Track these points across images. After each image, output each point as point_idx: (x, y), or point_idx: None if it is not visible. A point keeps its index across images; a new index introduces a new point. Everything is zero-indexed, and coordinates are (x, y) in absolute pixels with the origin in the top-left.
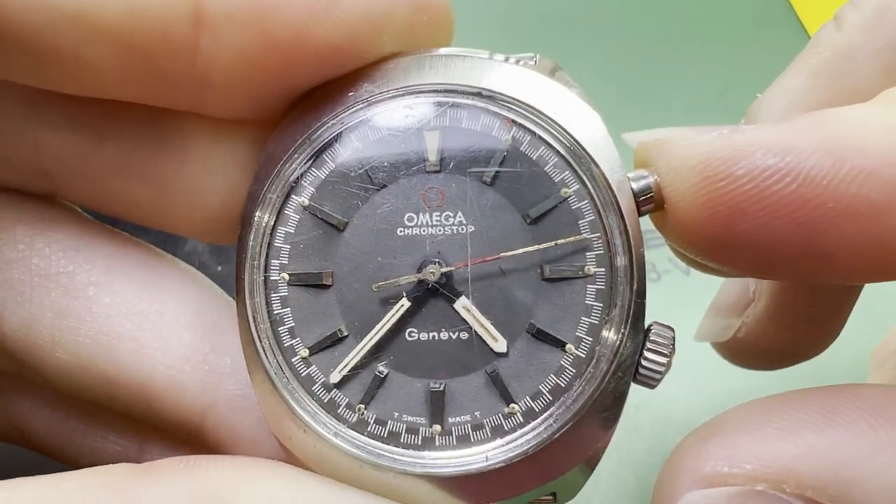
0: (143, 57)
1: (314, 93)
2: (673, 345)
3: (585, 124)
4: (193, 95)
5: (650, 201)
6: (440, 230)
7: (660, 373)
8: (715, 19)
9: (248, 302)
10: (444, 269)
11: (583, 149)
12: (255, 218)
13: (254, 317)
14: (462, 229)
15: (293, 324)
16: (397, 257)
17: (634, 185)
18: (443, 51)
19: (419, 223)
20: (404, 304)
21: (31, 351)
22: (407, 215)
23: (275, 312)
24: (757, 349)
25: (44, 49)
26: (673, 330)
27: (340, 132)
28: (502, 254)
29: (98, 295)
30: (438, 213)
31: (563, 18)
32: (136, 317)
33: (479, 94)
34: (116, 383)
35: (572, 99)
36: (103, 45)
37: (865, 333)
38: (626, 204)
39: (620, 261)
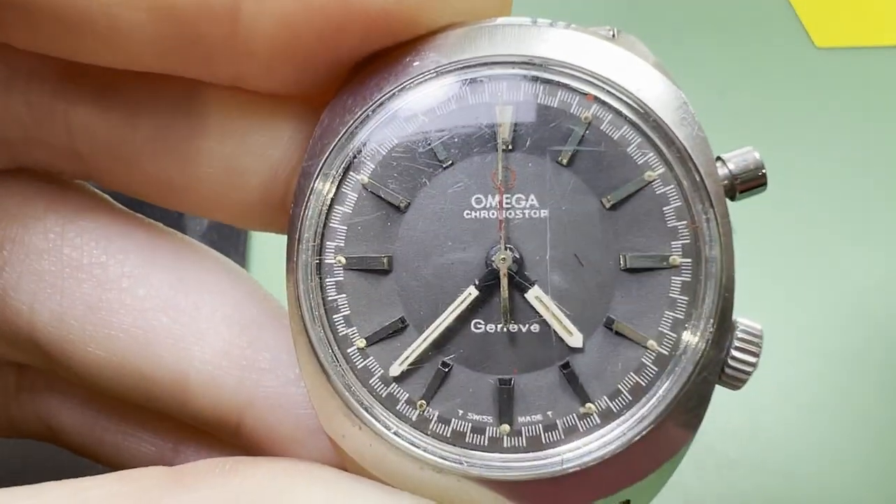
0: (181, 22)
1: (373, 62)
2: (761, 344)
3: (670, 103)
4: (234, 66)
5: (742, 185)
6: (511, 213)
7: (747, 373)
8: (715, 19)
9: (300, 287)
10: (515, 256)
11: (669, 129)
12: (310, 195)
13: (307, 303)
14: (535, 213)
15: (349, 311)
16: (464, 242)
17: (725, 168)
18: (510, 20)
19: (488, 205)
20: (472, 293)
21: (62, 345)
22: (475, 197)
23: (329, 299)
24: None
25: (76, 15)
26: (760, 328)
27: (405, 105)
28: (580, 242)
29: (132, 287)
30: (509, 196)
31: (563, 18)
32: (172, 310)
33: (555, 68)
34: (151, 379)
35: (655, 76)
36: (139, 10)
37: None
38: (715, 189)
39: (709, 251)
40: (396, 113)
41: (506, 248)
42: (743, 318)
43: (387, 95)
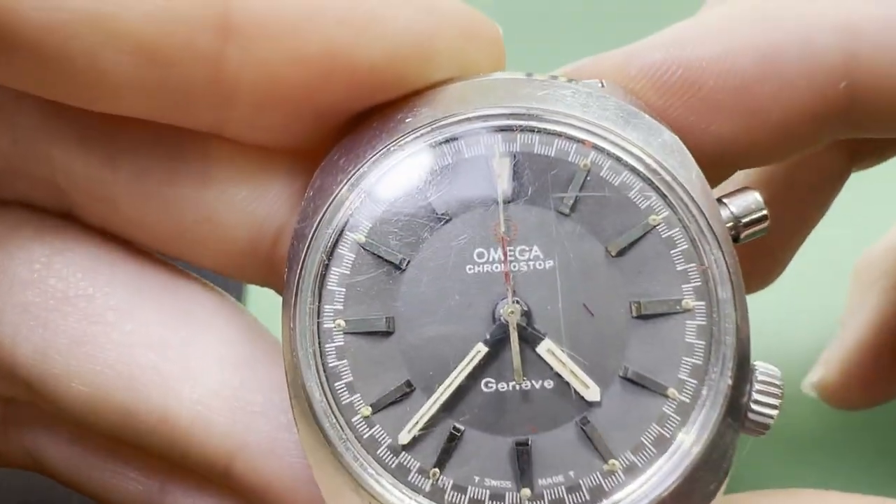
0: (163, 65)
1: (366, 118)
2: (782, 388)
3: (666, 147)
4: (216, 112)
5: (745, 228)
6: (515, 266)
7: (771, 418)
8: None
9: (299, 354)
10: (524, 309)
11: (668, 172)
12: (305, 258)
13: (307, 371)
14: (540, 264)
15: (351, 378)
16: (469, 298)
17: (728, 210)
18: (501, 75)
19: (491, 259)
20: (480, 350)
21: (45, 379)
22: (476, 251)
23: (330, 366)
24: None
25: (55, 54)
26: (779, 373)
27: (399, 161)
28: (589, 291)
29: (119, 321)
30: (512, 248)
31: (562, 18)
32: (160, 346)
33: (550, 118)
34: (136, 418)
35: (648, 121)
36: (121, 51)
37: None
38: (721, 229)
39: (722, 292)
40: (391, 170)
41: (513, 302)
42: (759, 361)
43: (380, 153)
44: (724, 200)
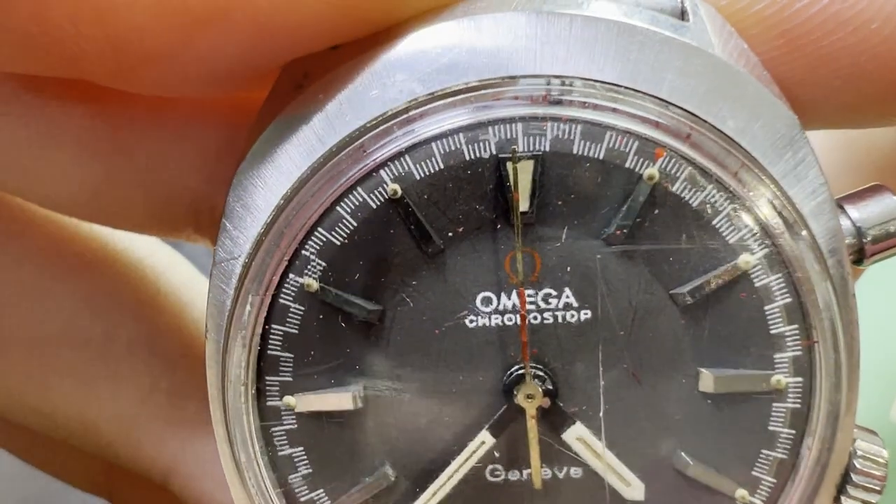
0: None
1: (303, 88)
2: (885, 474)
3: (776, 139)
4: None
5: (881, 242)
6: (537, 318)
7: None
8: None
9: (235, 440)
10: (548, 387)
11: (779, 188)
12: (233, 311)
13: (248, 463)
14: (573, 317)
15: (310, 469)
16: (469, 363)
17: (853, 216)
18: None
19: (501, 307)
20: (485, 440)
21: None
22: (482, 295)
23: (281, 454)
24: None
25: None
26: (883, 445)
27: (362, 167)
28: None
29: (26, 310)
30: (533, 292)
31: None
32: (77, 341)
33: (596, 96)
34: (55, 422)
35: (752, 90)
36: None
37: None
38: (839, 273)
39: (828, 365)
40: (350, 180)
41: (533, 377)
42: (858, 427)
43: (335, 154)
44: (845, 205)
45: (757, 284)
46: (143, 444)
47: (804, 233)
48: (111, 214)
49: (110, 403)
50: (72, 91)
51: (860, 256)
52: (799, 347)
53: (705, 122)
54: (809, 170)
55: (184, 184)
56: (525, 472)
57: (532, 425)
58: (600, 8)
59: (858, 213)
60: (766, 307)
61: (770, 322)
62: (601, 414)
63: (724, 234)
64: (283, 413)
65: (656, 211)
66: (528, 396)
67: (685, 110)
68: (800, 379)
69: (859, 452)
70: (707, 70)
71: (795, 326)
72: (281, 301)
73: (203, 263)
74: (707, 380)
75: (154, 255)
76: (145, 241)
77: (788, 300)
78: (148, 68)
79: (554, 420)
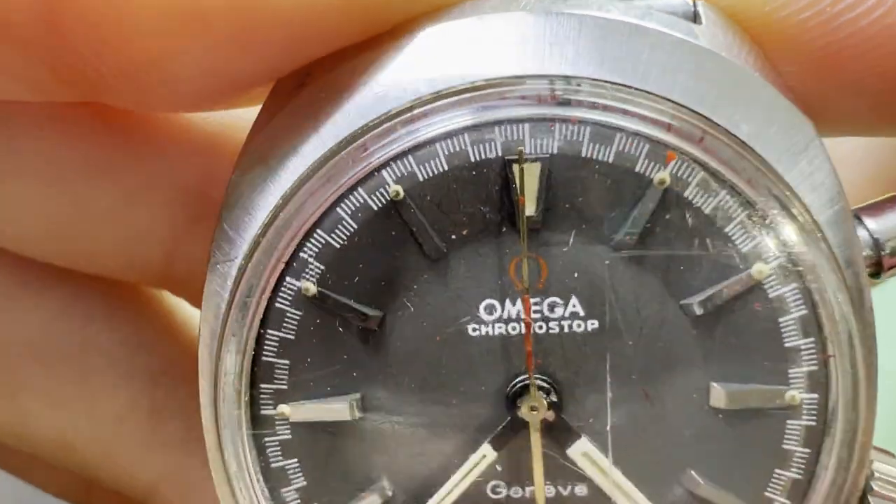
0: None
1: (303, 89)
2: None
3: (792, 145)
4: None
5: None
6: (542, 327)
7: None
8: None
9: (227, 449)
10: (552, 400)
11: (793, 193)
12: (228, 314)
13: (240, 475)
14: (579, 326)
15: (304, 483)
16: (471, 374)
17: (871, 228)
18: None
19: (505, 316)
20: (486, 454)
21: None
22: (485, 303)
23: (273, 466)
24: None
25: None
26: None
27: (362, 167)
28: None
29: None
30: (538, 299)
31: None
32: (51, 357)
33: (607, 97)
34: (28, 440)
35: (767, 95)
36: None
37: None
38: (856, 285)
39: (844, 380)
40: (351, 181)
41: (537, 389)
42: (876, 448)
43: (336, 154)
44: (863, 216)
45: (771, 295)
46: (122, 466)
47: (821, 243)
48: (77, 254)
49: (86, 423)
50: (40, 118)
51: (878, 269)
52: (815, 362)
53: (718, 125)
54: (826, 178)
55: (157, 223)
56: (528, 489)
57: (536, 439)
58: (611, 9)
59: (876, 224)
60: (781, 319)
61: (784, 335)
62: (608, 429)
63: (738, 242)
64: (276, 422)
65: (667, 216)
66: (532, 409)
67: (698, 113)
68: (815, 395)
69: (876, 474)
70: (720, 73)
71: (811, 339)
72: (277, 305)
73: None
74: (719, 394)
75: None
76: None
77: (804, 312)
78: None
79: (559, 434)
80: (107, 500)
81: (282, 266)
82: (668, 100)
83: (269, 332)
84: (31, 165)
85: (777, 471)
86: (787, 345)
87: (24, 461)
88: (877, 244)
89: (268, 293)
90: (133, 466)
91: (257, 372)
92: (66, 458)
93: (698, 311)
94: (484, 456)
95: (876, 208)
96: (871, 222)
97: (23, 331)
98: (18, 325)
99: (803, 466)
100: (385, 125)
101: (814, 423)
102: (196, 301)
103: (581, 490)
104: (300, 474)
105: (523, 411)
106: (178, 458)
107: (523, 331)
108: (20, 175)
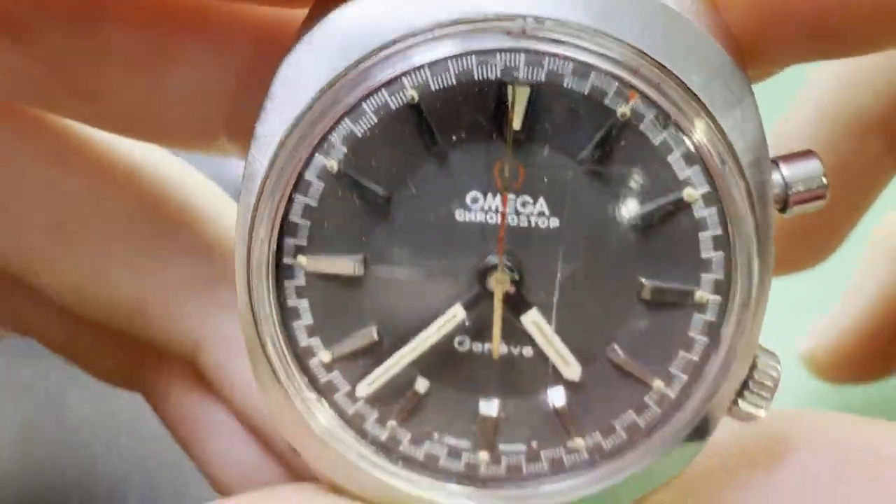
0: None
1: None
2: (776, 387)
3: (729, 97)
4: None
5: (802, 196)
6: (514, 220)
7: (755, 417)
8: None
9: (253, 291)
10: (514, 277)
11: (726, 136)
12: (266, 179)
13: (261, 310)
14: (543, 222)
15: (311, 321)
16: (453, 249)
17: (784, 173)
18: None
19: (486, 207)
20: (458, 314)
21: (20, 270)
22: (471, 194)
23: (289, 305)
24: (849, 359)
25: None
26: (779, 363)
27: (388, 72)
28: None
29: (87, 211)
30: (513, 197)
31: None
32: (132, 238)
33: (590, 40)
34: (109, 306)
35: (712, 51)
36: None
37: None
38: (763, 214)
39: (742, 289)
40: (378, 83)
41: (504, 266)
42: (761, 346)
43: (367, 61)
44: (780, 163)
45: (696, 215)
46: (181, 320)
47: (740, 180)
48: (155, 126)
49: (159, 288)
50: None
51: (784, 205)
52: (721, 272)
53: (673, 74)
54: (754, 128)
55: (220, 92)
56: (486, 345)
57: (497, 305)
58: None
59: (788, 170)
60: (701, 234)
61: (702, 247)
62: (553, 303)
63: (676, 169)
64: (295, 270)
65: (623, 143)
66: (498, 281)
67: (659, 63)
68: (718, 297)
69: (758, 366)
70: (677, 30)
71: (721, 254)
72: (306, 177)
73: None
74: (645, 288)
75: (185, 174)
76: (175, 160)
77: (719, 232)
78: None
79: (516, 304)
80: (153, 375)
81: (314, 144)
82: (638, 49)
83: (297, 196)
84: (117, 51)
85: (681, 352)
86: (702, 256)
87: (80, 346)
88: (786, 185)
89: (300, 166)
90: (189, 320)
91: (284, 228)
92: (137, 320)
93: (638, 221)
94: (455, 315)
95: (791, 157)
96: (784, 168)
97: (112, 220)
98: (108, 214)
99: (701, 351)
100: (407, 42)
101: (714, 320)
102: None
103: (528, 351)
104: (309, 313)
105: (491, 283)
106: (224, 316)
107: (499, 220)
108: (108, 61)
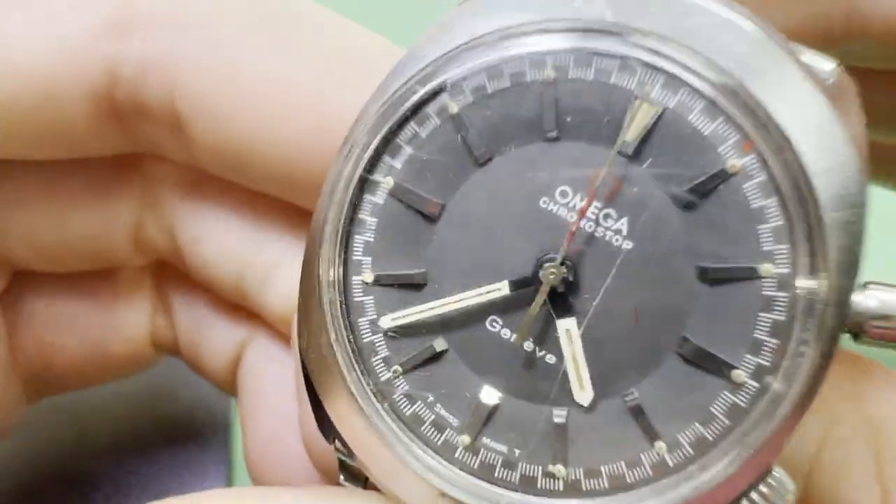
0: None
1: None
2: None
3: (845, 200)
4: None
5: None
6: (590, 226)
7: None
8: None
9: (336, 196)
10: (568, 278)
11: (823, 235)
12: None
13: (333, 213)
14: (617, 240)
15: (372, 238)
16: (525, 230)
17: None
18: None
19: (570, 204)
20: (502, 288)
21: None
22: (561, 188)
23: (359, 217)
24: None
25: None
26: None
27: (546, 48)
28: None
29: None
30: (599, 205)
31: None
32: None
33: (735, 82)
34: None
35: (825, 116)
36: None
37: None
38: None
39: (784, 381)
40: (529, 50)
41: (562, 263)
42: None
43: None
44: (869, 286)
45: (763, 293)
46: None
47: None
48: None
49: (254, 272)
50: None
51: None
52: (769, 359)
53: (800, 160)
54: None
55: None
56: (514, 335)
57: (540, 297)
58: None
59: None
60: (761, 313)
61: (757, 326)
62: (592, 325)
63: (762, 241)
64: (380, 186)
65: (721, 193)
66: (551, 274)
67: (779, 127)
68: (756, 384)
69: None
70: (752, 46)
71: (776, 341)
72: (424, 110)
73: None
74: (687, 346)
75: None
76: None
77: (782, 318)
78: None
79: (557, 305)
80: (172, 287)
81: (438, 85)
82: (764, 107)
83: (409, 125)
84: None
85: (696, 423)
86: (755, 335)
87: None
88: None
89: (420, 98)
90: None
91: (386, 147)
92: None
93: (705, 275)
94: (499, 289)
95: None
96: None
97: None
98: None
99: (719, 431)
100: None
101: (743, 405)
102: None
103: (550, 358)
104: (373, 231)
105: (543, 273)
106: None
107: (573, 222)
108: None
